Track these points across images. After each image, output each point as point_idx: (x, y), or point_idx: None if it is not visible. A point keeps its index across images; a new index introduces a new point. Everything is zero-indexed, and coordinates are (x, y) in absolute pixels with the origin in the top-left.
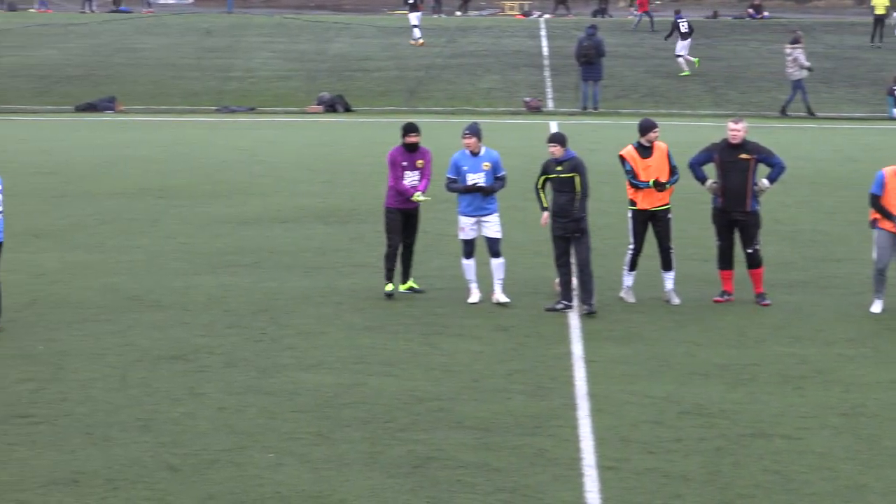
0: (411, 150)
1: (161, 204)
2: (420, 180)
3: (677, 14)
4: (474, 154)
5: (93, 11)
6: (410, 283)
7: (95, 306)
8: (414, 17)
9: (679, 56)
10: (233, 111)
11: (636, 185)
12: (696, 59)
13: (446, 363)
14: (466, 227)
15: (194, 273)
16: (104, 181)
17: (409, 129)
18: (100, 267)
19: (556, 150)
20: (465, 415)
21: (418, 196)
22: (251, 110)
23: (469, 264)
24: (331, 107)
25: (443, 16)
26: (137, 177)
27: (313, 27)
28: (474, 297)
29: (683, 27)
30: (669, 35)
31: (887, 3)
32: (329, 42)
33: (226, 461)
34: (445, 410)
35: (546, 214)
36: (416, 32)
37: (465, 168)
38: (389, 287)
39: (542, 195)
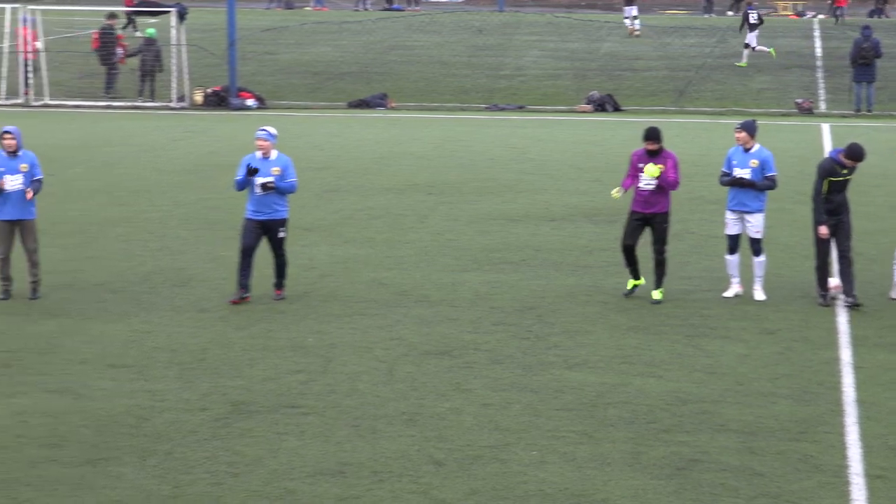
0: (652, 154)
1: (430, 200)
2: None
3: (749, 6)
4: (746, 150)
5: (366, 9)
6: (655, 295)
7: (364, 300)
8: (630, 10)
9: (746, 46)
10: (502, 109)
11: None
12: (771, 49)
13: (711, 365)
14: (730, 221)
15: (462, 269)
16: (375, 177)
17: (648, 136)
18: (369, 261)
19: (853, 165)
20: (729, 418)
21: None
22: (520, 108)
23: (731, 259)
24: (600, 106)
25: (713, 15)
26: (407, 173)
27: (584, 26)
28: (730, 291)
29: (752, 18)
30: (742, 27)
31: None
32: (600, 41)
33: (490, 457)
34: (709, 413)
35: (825, 228)
36: (627, 23)
37: (735, 162)
38: (630, 284)
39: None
